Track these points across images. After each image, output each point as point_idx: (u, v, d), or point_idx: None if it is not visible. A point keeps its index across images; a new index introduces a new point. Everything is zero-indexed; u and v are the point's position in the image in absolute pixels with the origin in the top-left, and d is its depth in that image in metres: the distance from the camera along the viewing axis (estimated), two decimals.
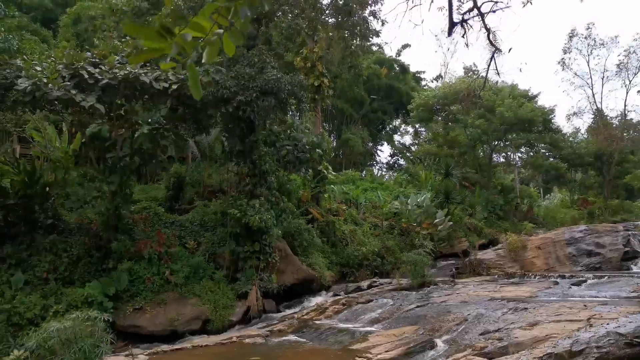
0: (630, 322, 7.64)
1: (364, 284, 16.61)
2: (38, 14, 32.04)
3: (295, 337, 11.32)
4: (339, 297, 15.02)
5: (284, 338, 11.33)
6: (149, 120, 13.69)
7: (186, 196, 18.05)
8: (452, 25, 8.73)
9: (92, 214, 14.39)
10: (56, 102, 11.74)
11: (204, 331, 12.56)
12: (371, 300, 13.51)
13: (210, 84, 13.14)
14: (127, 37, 16.23)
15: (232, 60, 15.17)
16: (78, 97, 11.05)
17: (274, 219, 14.55)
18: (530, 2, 9.95)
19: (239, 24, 1.91)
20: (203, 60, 2.10)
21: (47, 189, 14.15)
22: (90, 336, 7.30)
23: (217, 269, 14.34)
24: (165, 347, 10.98)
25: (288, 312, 14.46)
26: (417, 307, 12.05)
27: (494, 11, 8.71)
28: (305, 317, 13.09)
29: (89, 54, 12.77)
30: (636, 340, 6.85)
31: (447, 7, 8.90)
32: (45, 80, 10.73)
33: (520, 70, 28.89)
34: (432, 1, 9.50)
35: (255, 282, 14.00)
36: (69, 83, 11.19)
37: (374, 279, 17.37)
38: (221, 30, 1.91)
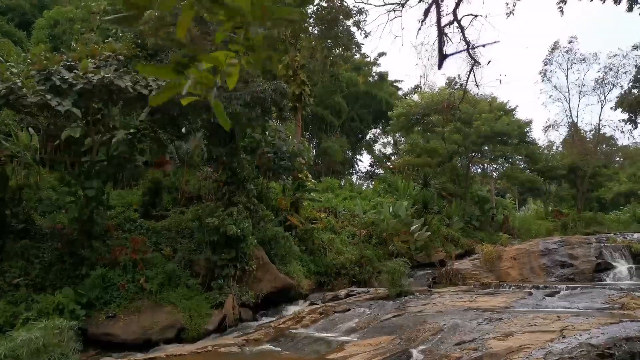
0: (602, 333, 7.78)
1: (342, 292, 16.59)
2: (15, 16, 31.51)
3: (271, 347, 11.23)
4: (316, 305, 14.96)
5: (260, 347, 11.23)
6: (127, 124, 13.52)
7: (163, 202, 17.84)
8: (442, 58, 8.82)
9: (66, 219, 14.10)
10: (32, 106, 11.54)
11: (179, 340, 12.37)
12: (348, 310, 13.49)
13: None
14: (109, 40, 16.06)
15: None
16: (53, 101, 10.86)
17: (251, 226, 14.46)
18: (513, 14, 10.13)
19: (258, 50, 1.90)
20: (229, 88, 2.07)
21: (19, 192, 13.84)
22: (59, 345, 7.15)
23: (193, 277, 14.17)
24: (138, 356, 10.78)
25: (265, 320, 14.35)
26: (394, 316, 12.07)
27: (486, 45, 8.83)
28: (281, 325, 13.00)
29: (65, 57, 12.57)
30: (607, 351, 6.97)
31: (429, 22, 9.02)
32: (19, 84, 10.53)
33: (500, 82, 29.22)
34: (418, 29, 9.60)
35: (231, 291, 13.87)
36: (43, 87, 10.98)
37: (352, 288, 17.36)
38: (235, 61, 1.90)
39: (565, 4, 10.88)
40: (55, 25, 27.25)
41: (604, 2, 10.06)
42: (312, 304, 15.65)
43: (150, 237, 14.83)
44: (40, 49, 13.82)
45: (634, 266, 18.05)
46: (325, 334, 11.71)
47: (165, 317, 12.55)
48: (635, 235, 21.86)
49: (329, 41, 23.80)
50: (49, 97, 10.83)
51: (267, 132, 17.42)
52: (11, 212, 13.17)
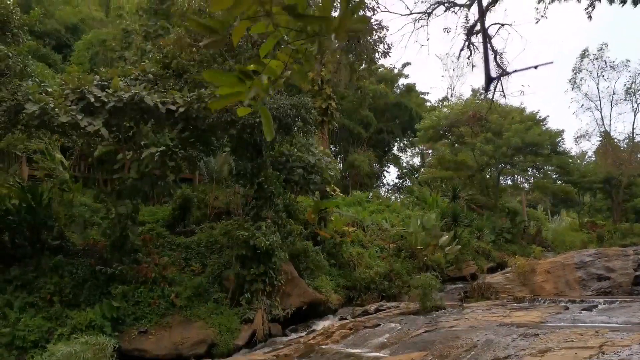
0: None
1: (371, 307, 16.40)
2: (51, 39, 32.72)
3: None
4: (345, 320, 14.81)
5: None
6: (157, 142, 13.77)
7: (192, 218, 18.02)
8: (489, 80, 8.59)
9: (98, 236, 14.36)
10: (65, 126, 11.87)
11: (209, 355, 12.40)
12: (378, 325, 13.32)
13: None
14: (145, 60, 16.47)
15: None
16: (84, 121, 11.14)
17: (279, 240, 14.47)
18: (545, 17, 9.94)
19: (306, 64, 1.90)
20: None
21: (53, 210, 14.19)
22: None
23: (223, 292, 14.23)
24: None
25: (294, 336, 14.26)
26: (425, 332, 11.85)
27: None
28: (311, 341, 12.89)
29: (97, 77, 12.93)
30: None
31: (456, 32, 8.91)
32: (52, 105, 10.84)
33: (522, 93, 28.68)
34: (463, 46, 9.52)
35: (261, 306, 13.86)
36: (75, 107, 11.29)
37: (381, 303, 17.14)
38: (289, 72, 1.92)
39: (593, 9, 10.67)
40: (91, 47, 28.34)
41: (635, 5, 9.77)
42: (341, 319, 15.50)
43: (180, 253, 14.99)
44: (74, 69, 14.25)
45: None
46: (355, 350, 11.55)
47: (195, 333, 12.61)
48: None
49: (351, 56, 23.94)
50: (79, 117, 11.12)
51: (294, 147, 17.46)
52: (46, 229, 13.50)
